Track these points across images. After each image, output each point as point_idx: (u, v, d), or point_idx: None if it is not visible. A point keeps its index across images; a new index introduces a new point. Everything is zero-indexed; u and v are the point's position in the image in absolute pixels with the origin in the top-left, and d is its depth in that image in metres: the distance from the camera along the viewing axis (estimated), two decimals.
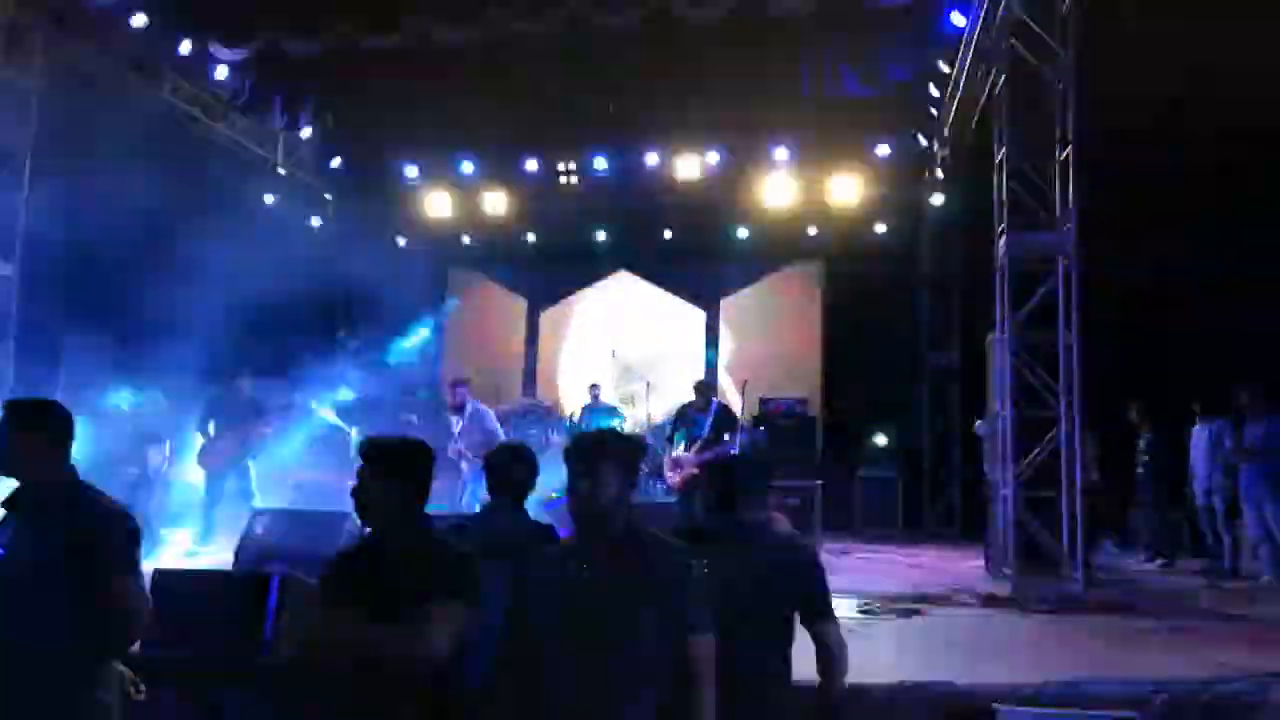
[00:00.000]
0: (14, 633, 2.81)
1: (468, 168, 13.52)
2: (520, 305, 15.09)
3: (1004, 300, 7.97)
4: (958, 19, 9.45)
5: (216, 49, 9.93)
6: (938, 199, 12.79)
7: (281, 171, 13.18)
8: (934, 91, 11.34)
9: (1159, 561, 9.35)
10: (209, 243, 9.23)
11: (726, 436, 8.88)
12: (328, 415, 10.41)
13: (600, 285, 14.81)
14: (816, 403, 13.01)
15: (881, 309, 12.85)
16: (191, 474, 9.50)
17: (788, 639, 3.10)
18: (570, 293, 14.93)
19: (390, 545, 2.88)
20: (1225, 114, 8.88)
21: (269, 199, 12.93)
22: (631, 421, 12.30)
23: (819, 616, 3.12)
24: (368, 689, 2.64)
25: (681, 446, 8.85)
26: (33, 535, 2.89)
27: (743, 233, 13.68)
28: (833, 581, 6.28)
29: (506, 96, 11.03)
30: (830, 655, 3.08)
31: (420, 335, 13.38)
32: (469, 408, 9.18)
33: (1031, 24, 7.84)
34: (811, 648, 3.12)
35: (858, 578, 7.91)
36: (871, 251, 13.16)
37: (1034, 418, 7.69)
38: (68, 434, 3.09)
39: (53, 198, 9.01)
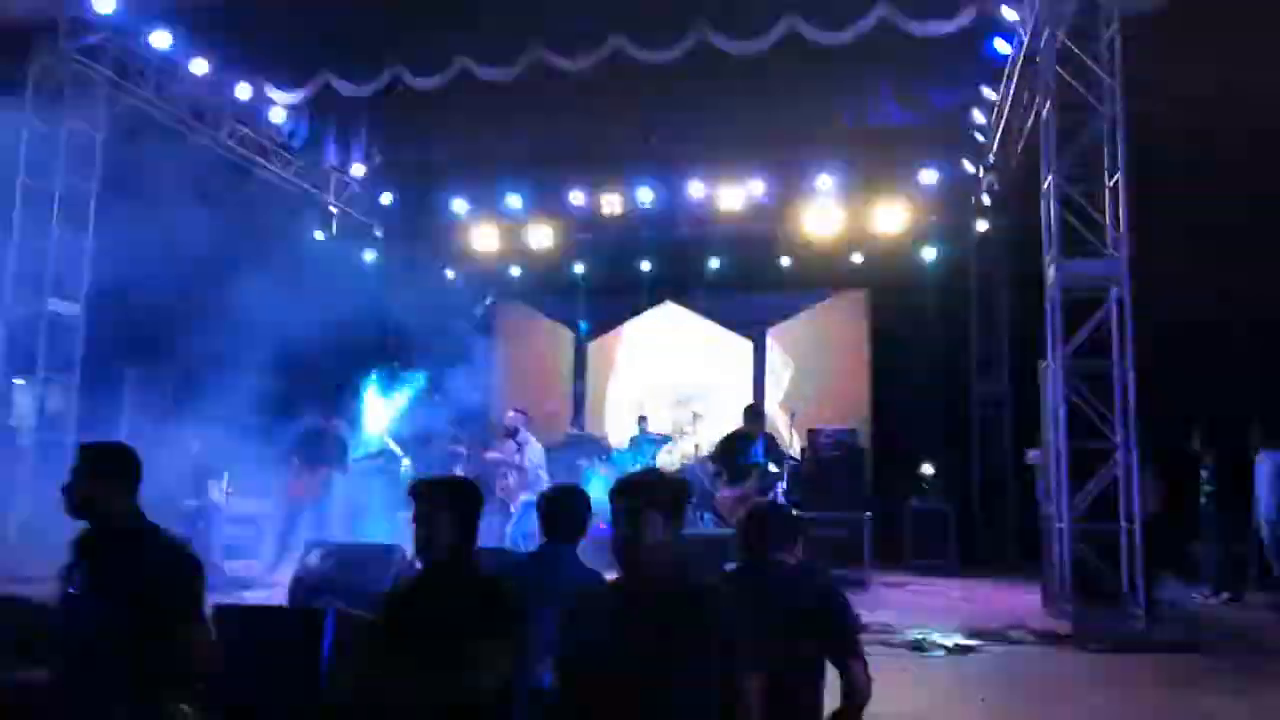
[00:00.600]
0: (84, 672, 2.89)
1: (514, 201, 13.72)
2: (567, 337, 15.19)
3: (1055, 328, 7.84)
4: (1002, 46, 9.41)
5: (272, 92, 10.24)
6: (984, 226, 12.67)
7: (334, 209, 13.51)
8: (979, 118, 11.29)
9: (1225, 596, 9.05)
10: (264, 280, 9.48)
11: (773, 468, 8.83)
12: (390, 444, 10.59)
13: (646, 316, 14.87)
14: (865, 433, 12.87)
15: (929, 337, 12.71)
16: (250, 506, 9.72)
17: (819, 674, 3.11)
18: (617, 324, 15.00)
19: (440, 584, 2.92)
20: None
21: (321, 236, 13.24)
22: (679, 452, 12.28)
23: (846, 654, 3.14)
24: None
25: (724, 477, 8.81)
26: (103, 577, 2.98)
27: (788, 262, 13.66)
28: (883, 616, 6.24)
29: (551, 131, 11.21)
30: (853, 689, 3.09)
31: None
32: (521, 437, 9.30)
33: (1077, 50, 7.77)
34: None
35: (909, 612, 7.77)
36: (918, 279, 13.06)
37: (1089, 448, 7.53)
38: (137, 476, 3.18)
39: (115, 240, 9.34)
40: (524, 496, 9.29)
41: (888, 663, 5.94)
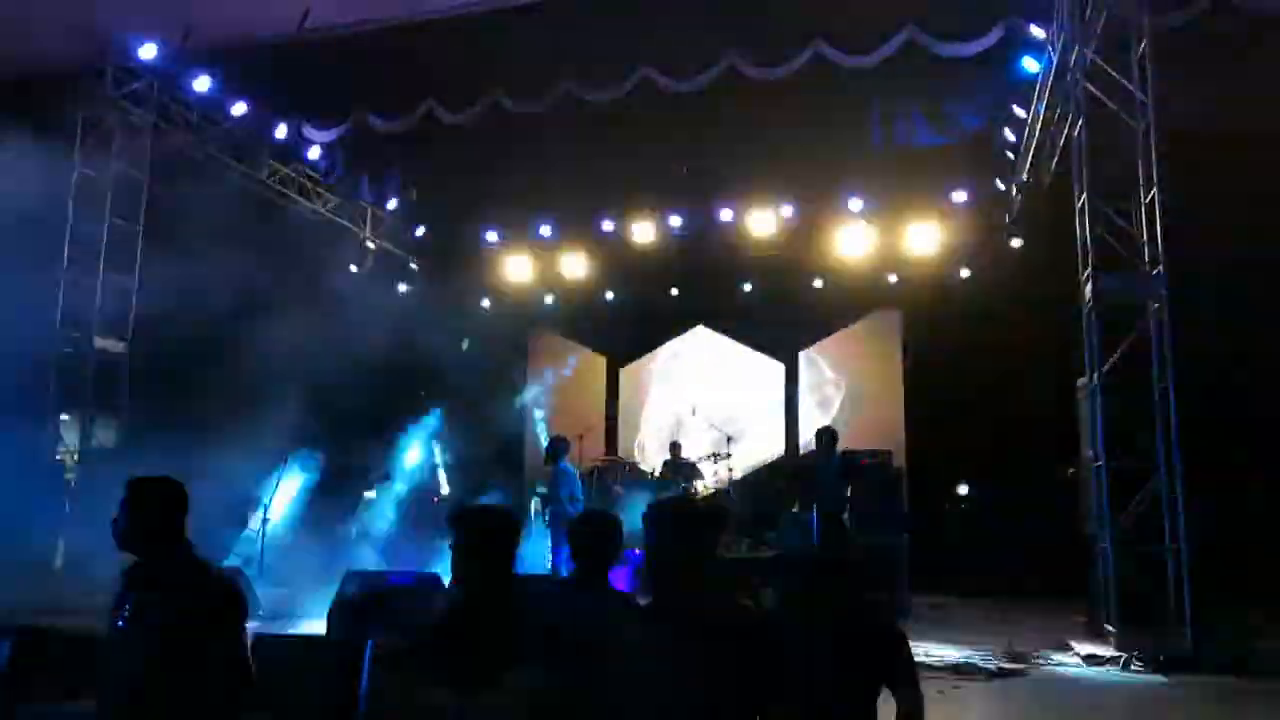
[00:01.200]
0: (130, 704, 2.95)
1: (546, 230, 13.86)
2: (600, 363, 15.25)
3: (1092, 345, 7.75)
4: (1031, 65, 9.38)
5: (309, 131, 10.48)
6: (1017, 244, 12.57)
7: (370, 244, 13.74)
8: (1010, 136, 11.22)
9: None
10: (304, 315, 9.67)
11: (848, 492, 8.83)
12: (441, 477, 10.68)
13: (679, 341, 14.90)
14: (901, 454, 12.75)
15: (964, 356, 12.58)
16: (290, 536, 9.85)
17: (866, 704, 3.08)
18: (649, 349, 15.04)
19: (477, 615, 2.94)
20: None
21: (357, 270, 13.46)
22: (713, 476, 12.26)
23: (903, 684, 3.08)
24: None
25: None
26: (151, 609, 3.04)
27: (820, 284, 13.64)
28: (923, 639, 6.15)
29: (581, 160, 11.33)
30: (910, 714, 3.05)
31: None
32: (561, 467, 9.35)
33: (1107, 67, 7.73)
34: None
35: (950, 634, 7.67)
36: (952, 299, 12.95)
37: (1131, 466, 7.41)
38: (183, 510, 3.24)
39: (159, 278, 9.59)
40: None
41: (929, 687, 5.86)
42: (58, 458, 9.75)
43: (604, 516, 4.01)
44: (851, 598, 3.18)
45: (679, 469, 12.11)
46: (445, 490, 10.64)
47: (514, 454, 14.39)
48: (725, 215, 13.04)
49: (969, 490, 11.83)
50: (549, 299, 14.91)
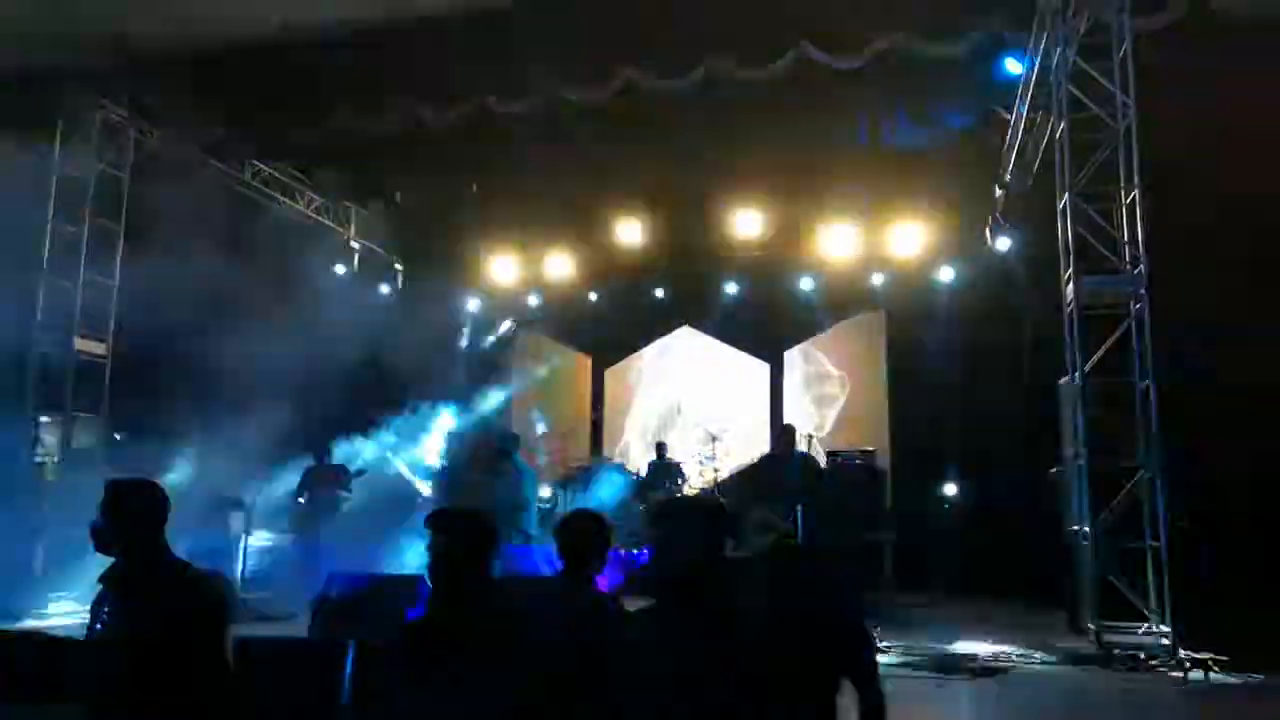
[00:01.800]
0: (112, 707, 2.93)
1: (531, 231, 13.83)
2: (585, 363, 15.24)
3: (1075, 345, 7.81)
4: (1014, 66, 9.44)
5: (293, 132, 10.42)
6: (1003, 244, 12.64)
7: (354, 245, 13.68)
8: (994, 137, 11.28)
9: None
10: (285, 315, 9.61)
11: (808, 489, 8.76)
12: (402, 469, 10.61)
13: (664, 342, 14.91)
14: (885, 454, 12.81)
15: (948, 357, 12.63)
16: (271, 538, 9.79)
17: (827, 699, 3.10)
18: (634, 350, 15.04)
19: (456, 616, 2.93)
20: None
21: (341, 270, 13.40)
22: (698, 476, 12.27)
23: (864, 682, 3.11)
24: None
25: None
26: (130, 612, 3.02)
27: (805, 284, 13.67)
28: (905, 638, 6.19)
29: (567, 160, 11.32)
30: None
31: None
32: (514, 466, 9.28)
33: (1088, 69, 7.79)
34: None
35: (932, 633, 7.70)
36: (936, 299, 13.01)
37: (1112, 465, 7.47)
38: (164, 512, 3.22)
39: (139, 278, 9.52)
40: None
41: (911, 686, 5.90)
42: (37, 460, 9.66)
43: (588, 515, 4.02)
44: (805, 591, 3.19)
45: (664, 469, 12.11)
46: (425, 493, 10.58)
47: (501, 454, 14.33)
48: (710, 216, 13.05)
49: (954, 490, 11.86)
50: (533, 299, 14.88)
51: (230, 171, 11.27)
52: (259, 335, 9.34)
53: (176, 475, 9.41)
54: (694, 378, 14.53)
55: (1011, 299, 12.72)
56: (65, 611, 7.97)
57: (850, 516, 9.44)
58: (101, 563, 3.21)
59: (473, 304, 15.06)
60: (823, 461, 10.52)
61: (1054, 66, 8.15)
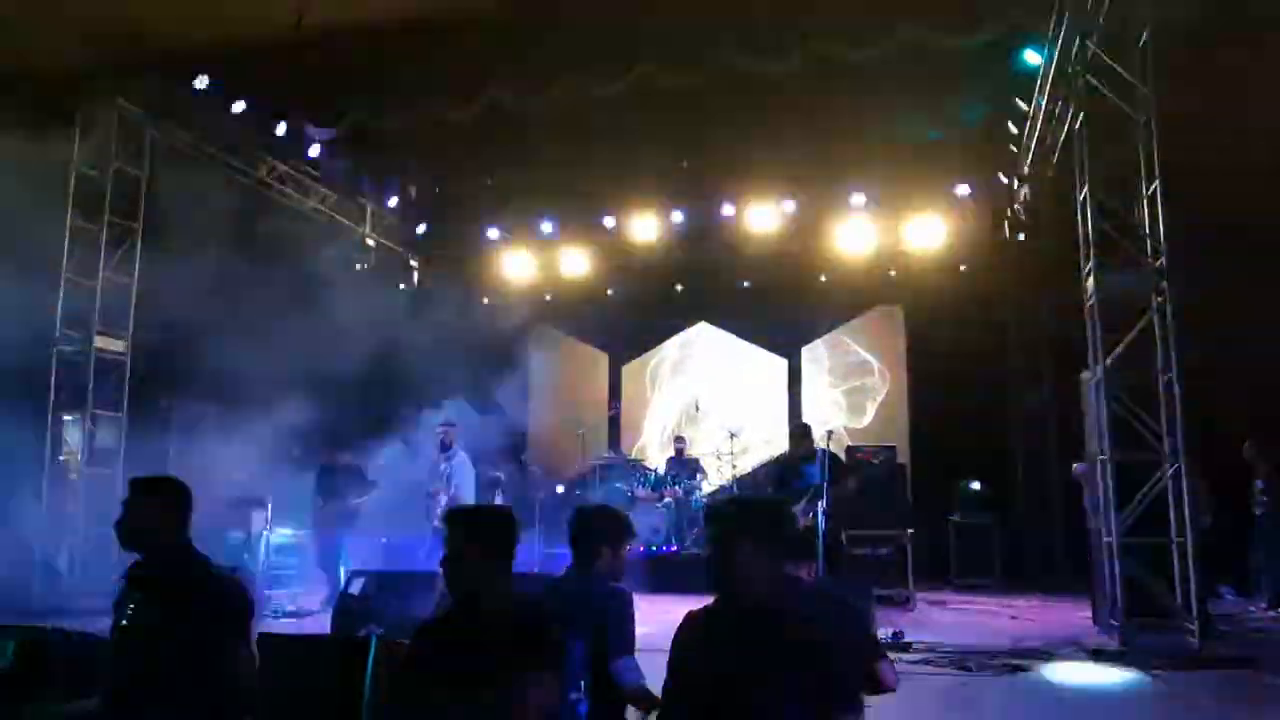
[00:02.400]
0: (135, 703, 2.94)
1: (547, 227, 13.84)
2: (602, 360, 15.23)
3: (1096, 339, 7.73)
4: (1033, 58, 9.36)
5: (309, 129, 10.47)
6: (1021, 237, 12.56)
7: (371, 242, 13.72)
8: (1012, 129, 11.21)
9: None
10: (304, 314, 9.65)
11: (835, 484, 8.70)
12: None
13: (680, 337, 14.88)
14: (905, 449, 12.74)
15: (967, 352, 12.55)
16: (293, 536, 9.85)
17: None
18: (651, 346, 15.03)
19: (476, 614, 2.92)
20: None
21: (359, 268, 13.45)
22: (716, 472, 12.25)
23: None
24: None
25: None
26: (154, 607, 3.04)
27: (822, 279, 13.62)
28: (927, 635, 6.15)
29: (582, 157, 11.32)
30: None
31: None
32: (456, 455, 9.17)
33: (1108, 59, 7.70)
34: None
35: (954, 631, 7.66)
36: (955, 293, 12.92)
37: (1136, 460, 7.38)
38: (187, 509, 3.24)
39: (159, 276, 9.58)
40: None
41: (933, 682, 5.87)
42: (61, 458, 9.74)
43: (600, 509, 4.02)
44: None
45: (683, 466, 12.10)
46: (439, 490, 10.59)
47: (518, 451, 14.35)
48: (726, 211, 13.03)
49: (974, 486, 11.78)
50: (550, 296, 14.89)
51: (246, 169, 11.32)
52: (276, 332, 9.38)
53: (198, 472, 9.46)
54: (711, 374, 14.50)
55: (1030, 292, 12.65)
56: (91, 608, 8.03)
57: (871, 513, 9.40)
58: (126, 559, 3.23)
59: (489, 301, 15.09)
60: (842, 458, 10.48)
61: (1073, 57, 8.06)
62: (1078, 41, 7.94)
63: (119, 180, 9.90)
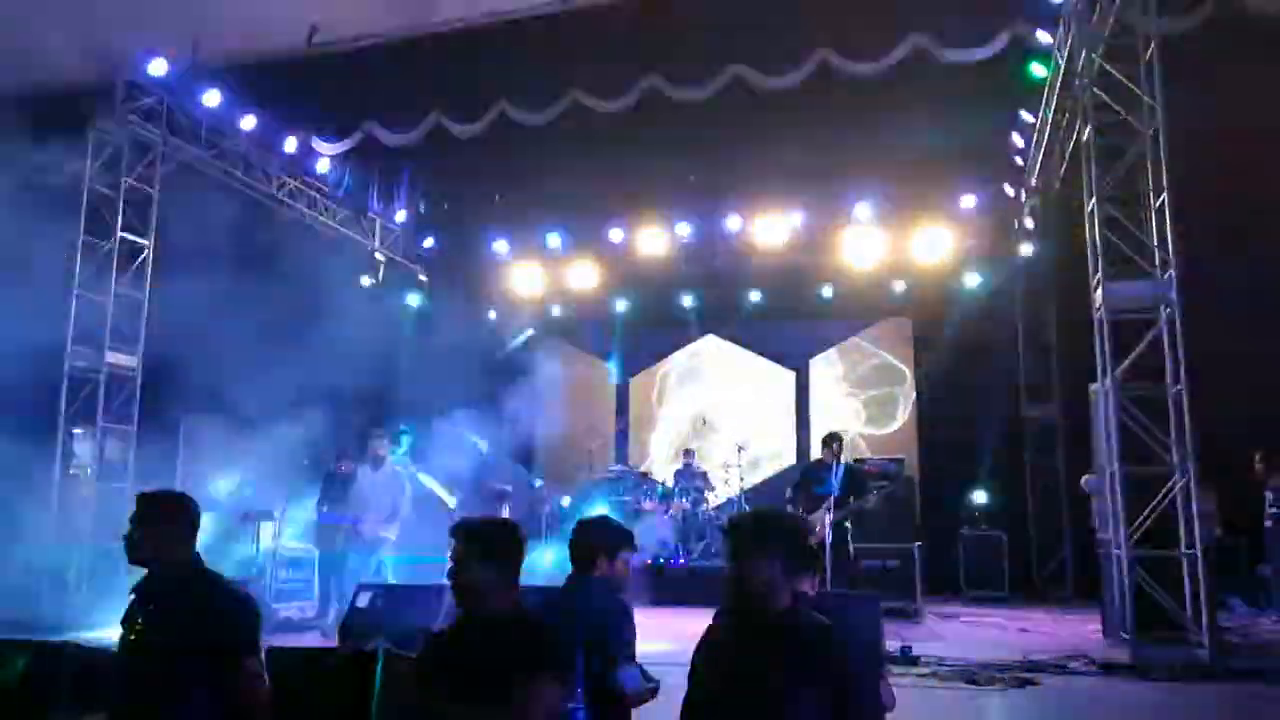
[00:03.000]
0: (144, 715, 2.95)
1: (554, 240, 13.89)
2: (609, 373, 15.24)
3: (1105, 351, 7.71)
4: (1038, 70, 9.37)
5: (317, 144, 10.55)
6: (1028, 249, 12.55)
7: (379, 256, 13.79)
8: (1018, 141, 11.22)
9: None
10: (313, 327, 9.70)
11: (853, 498, 8.72)
12: (431, 483, 10.57)
13: (688, 350, 14.89)
14: (913, 461, 12.72)
15: (975, 363, 12.54)
16: (301, 550, 9.86)
17: None
18: (659, 359, 15.04)
19: (484, 625, 2.93)
20: None
21: (367, 281, 13.51)
22: (724, 484, 12.24)
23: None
24: None
25: (801, 508, 8.71)
26: (163, 622, 3.05)
27: (829, 291, 13.62)
28: (935, 648, 6.13)
29: (589, 170, 11.36)
30: None
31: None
32: (388, 467, 8.85)
33: (1114, 72, 7.71)
34: None
35: (963, 643, 7.62)
36: (962, 305, 12.92)
37: (1145, 473, 7.35)
38: (195, 524, 3.26)
39: (168, 291, 9.64)
40: (384, 532, 8.69)
41: (942, 696, 5.84)
42: (72, 472, 9.79)
43: (600, 520, 4.02)
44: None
45: (691, 479, 12.09)
46: (451, 504, 10.59)
47: (525, 464, 14.37)
48: (733, 224, 13.05)
49: (983, 498, 11.74)
50: (557, 309, 14.92)
51: (255, 184, 11.40)
52: (285, 346, 9.42)
53: (207, 486, 9.52)
54: (719, 386, 14.50)
55: (1038, 304, 12.63)
56: (101, 622, 8.06)
57: (880, 526, 9.38)
58: (135, 574, 3.25)
59: (497, 314, 15.13)
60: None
61: (1079, 69, 8.07)
62: (1084, 54, 7.95)
63: (130, 197, 9.98)
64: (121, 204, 9.84)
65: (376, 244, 13.81)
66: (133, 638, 3.12)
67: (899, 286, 13.32)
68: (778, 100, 9.30)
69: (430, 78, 9.68)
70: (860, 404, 13.90)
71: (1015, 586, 11.15)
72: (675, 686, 2.84)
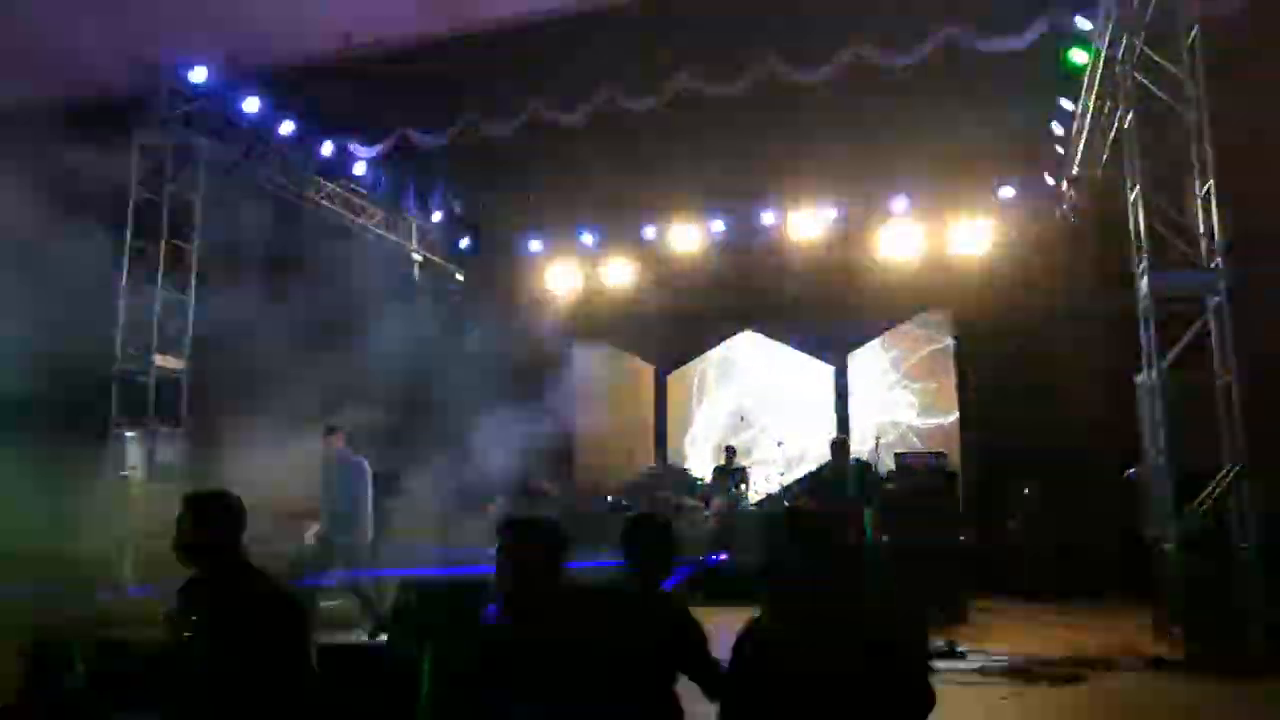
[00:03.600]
0: (193, 715, 3.02)
1: (589, 239, 13.92)
2: (647, 370, 15.24)
3: (1150, 342, 7.57)
4: (1079, 56, 9.22)
5: (355, 147, 10.69)
6: (1069, 239, 12.34)
7: (416, 256, 13.93)
8: (1058, 130, 11.04)
9: None
10: (354, 327, 9.83)
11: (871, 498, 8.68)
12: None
13: (726, 346, 14.85)
14: (956, 455, 12.56)
15: (1017, 355, 12.35)
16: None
17: None
18: (696, 355, 15.01)
19: (528, 623, 2.96)
20: None
21: (404, 282, 13.66)
22: (764, 481, 12.20)
23: None
24: None
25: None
26: (211, 621, 3.11)
27: (867, 284, 13.49)
28: (982, 644, 6.04)
29: (624, 167, 11.38)
30: None
31: None
32: (338, 459, 8.18)
33: (1156, 57, 7.56)
34: None
35: (1011, 639, 7.53)
36: (1003, 296, 12.73)
37: (1194, 465, 7.21)
38: (241, 524, 3.32)
39: (213, 296, 9.82)
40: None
41: (988, 693, 5.78)
42: (123, 474, 10.01)
43: (652, 520, 3.99)
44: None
45: (730, 475, 12.07)
46: (496, 502, 10.67)
47: (561, 460, 14.42)
48: (768, 218, 13.00)
49: (1029, 491, 11.57)
50: (593, 307, 14.94)
51: (296, 189, 11.58)
52: (326, 346, 9.55)
53: (256, 485, 9.64)
54: (757, 382, 14.44)
55: (1081, 295, 12.41)
56: (153, 623, 8.23)
57: (923, 521, 9.29)
58: (185, 574, 3.32)
59: (533, 312, 15.19)
60: (888, 465, 10.40)
61: (1120, 56, 7.92)
62: (1124, 40, 7.80)
63: (175, 202, 10.18)
64: (166, 210, 10.04)
65: (414, 244, 13.95)
66: (183, 637, 3.18)
67: (938, 278, 13.17)
68: (812, 93, 9.24)
69: (465, 79, 9.76)
70: (913, 395, 13.74)
71: (1062, 581, 10.97)
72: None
